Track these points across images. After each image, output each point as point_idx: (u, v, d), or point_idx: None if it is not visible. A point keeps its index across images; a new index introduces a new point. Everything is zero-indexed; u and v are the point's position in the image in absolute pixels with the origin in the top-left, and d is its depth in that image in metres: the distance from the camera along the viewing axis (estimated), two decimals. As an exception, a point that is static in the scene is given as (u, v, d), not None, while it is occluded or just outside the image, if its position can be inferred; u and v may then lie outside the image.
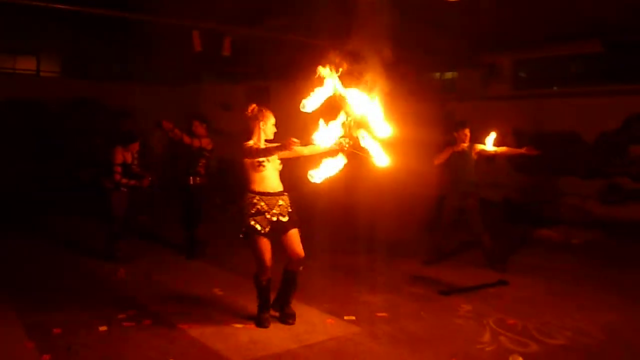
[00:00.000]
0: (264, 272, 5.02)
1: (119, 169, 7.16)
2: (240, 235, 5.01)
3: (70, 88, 14.45)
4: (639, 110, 10.30)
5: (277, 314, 5.28)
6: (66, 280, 6.51)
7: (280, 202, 5.04)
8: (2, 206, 10.73)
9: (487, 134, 7.36)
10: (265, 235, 4.95)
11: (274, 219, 4.99)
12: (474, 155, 7.30)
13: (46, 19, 12.77)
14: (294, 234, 5.10)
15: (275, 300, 5.32)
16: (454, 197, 7.35)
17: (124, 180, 7.18)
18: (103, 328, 4.90)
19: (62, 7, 9.17)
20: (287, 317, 5.23)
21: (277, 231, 5.03)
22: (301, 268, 5.22)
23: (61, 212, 10.66)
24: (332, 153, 4.75)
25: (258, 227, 4.93)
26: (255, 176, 5.00)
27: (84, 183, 11.49)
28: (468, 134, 7.30)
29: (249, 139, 5.03)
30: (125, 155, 7.25)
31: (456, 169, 7.31)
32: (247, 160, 4.98)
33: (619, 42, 10.86)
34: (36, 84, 14.66)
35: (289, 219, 5.07)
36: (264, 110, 5.07)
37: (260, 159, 4.94)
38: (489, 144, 7.29)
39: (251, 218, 4.94)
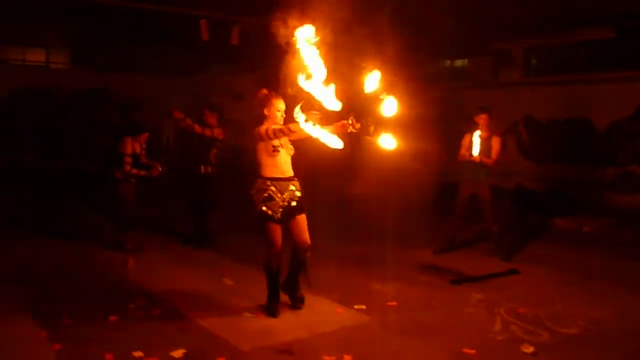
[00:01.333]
0: (275, 258, 5.01)
1: (129, 159, 7.13)
2: (256, 215, 4.99)
3: (79, 79, 14.47)
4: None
5: (285, 298, 5.27)
6: (76, 270, 6.51)
7: (291, 187, 5.02)
8: (11, 196, 10.78)
9: (501, 121, 7.25)
10: (277, 221, 4.94)
11: (285, 203, 4.97)
12: (492, 143, 7.15)
13: (55, 11, 12.77)
14: (302, 220, 5.09)
15: (284, 284, 5.31)
16: (467, 185, 7.27)
17: (134, 171, 7.16)
18: (113, 318, 4.91)
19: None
20: (297, 301, 5.26)
21: (287, 216, 5.02)
22: (308, 254, 5.22)
23: (70, 203, 10.69)
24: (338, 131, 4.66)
25: (270, 212, 4.92)
26: (268, 161, 4.98)
27: (92, 174, 11.48)
28: (487, 119, 7.19)
29: (260, 124, 4.99)
30: (134, 145, 7.23)
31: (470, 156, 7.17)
32: (261, 146, 4.96)
33: (631, 28, 10.72)
34: (46, 75, 14.70)
35: (297, 205, 5.05)
36: (271, 96, 5.02)
37: (275, 144, 4.92)
38: (476, 147, 7.03)
39: (262, 204, 4.93)
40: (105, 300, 5.39)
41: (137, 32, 13.67)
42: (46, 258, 7.01)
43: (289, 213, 5.00)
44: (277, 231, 4.96)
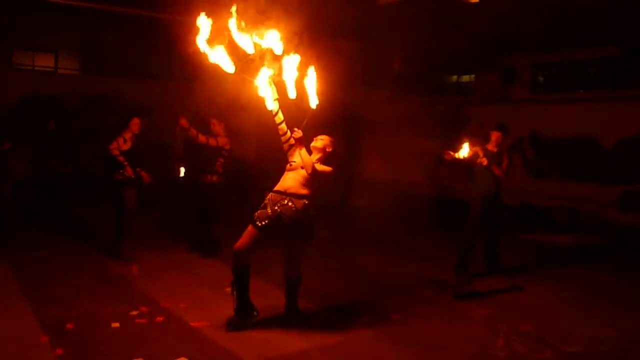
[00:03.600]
0: (235, 255, 4.95)
1: (122, 140, 7.05)
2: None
3: (88, 84, 14.50)
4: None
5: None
6: (80, 275, 6.51)
7: (287, 202, 4.95)
8: (17, 201, 10.79)
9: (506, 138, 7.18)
10: (258, 228, 4.91)
11: (273, 215, 4.92)
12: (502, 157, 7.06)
13: (64, 16, 12.85)
14: (292, 247, 5.09)
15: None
16: (481, 202, 6.94)
17: (129, 169, 7.05)
18: (115, 324, 4.91)
19: (81, 4, 9.21)
20: (294, 319, 5.20)
21: (272, 230, 4.94)
22: (295, 279, 5.17)
23: (75, 207, 10.70)
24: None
25: (256, 217, 4.96)
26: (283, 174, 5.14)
27: (100, 178, 11.49)
28: (499, 137, 7.07)
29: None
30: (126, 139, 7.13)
31: (486, 172, 6.94)
32: None
33: (638, 47, 10.74)
34: (55, 80, 14.75)
35: (290, 223, 4.93)
36: None
37: (290, 159, 5.13)
38: (464, 152, 6.79)
39: (259, 209, 5.01)
40: (108, 306, 5.39)
41: (147, 38, 13.73)
42: (50, 263, 7.01)
43: (277, 228, 4.92)
44: (251, 236, 4.93)
